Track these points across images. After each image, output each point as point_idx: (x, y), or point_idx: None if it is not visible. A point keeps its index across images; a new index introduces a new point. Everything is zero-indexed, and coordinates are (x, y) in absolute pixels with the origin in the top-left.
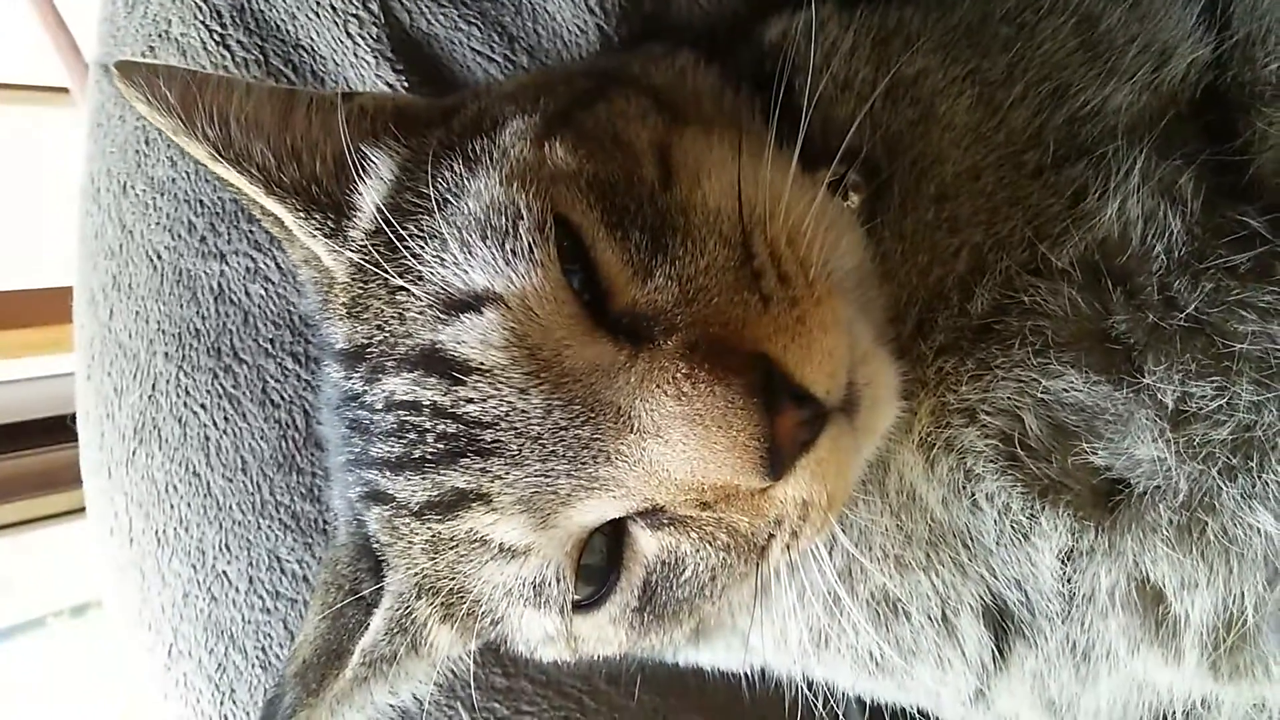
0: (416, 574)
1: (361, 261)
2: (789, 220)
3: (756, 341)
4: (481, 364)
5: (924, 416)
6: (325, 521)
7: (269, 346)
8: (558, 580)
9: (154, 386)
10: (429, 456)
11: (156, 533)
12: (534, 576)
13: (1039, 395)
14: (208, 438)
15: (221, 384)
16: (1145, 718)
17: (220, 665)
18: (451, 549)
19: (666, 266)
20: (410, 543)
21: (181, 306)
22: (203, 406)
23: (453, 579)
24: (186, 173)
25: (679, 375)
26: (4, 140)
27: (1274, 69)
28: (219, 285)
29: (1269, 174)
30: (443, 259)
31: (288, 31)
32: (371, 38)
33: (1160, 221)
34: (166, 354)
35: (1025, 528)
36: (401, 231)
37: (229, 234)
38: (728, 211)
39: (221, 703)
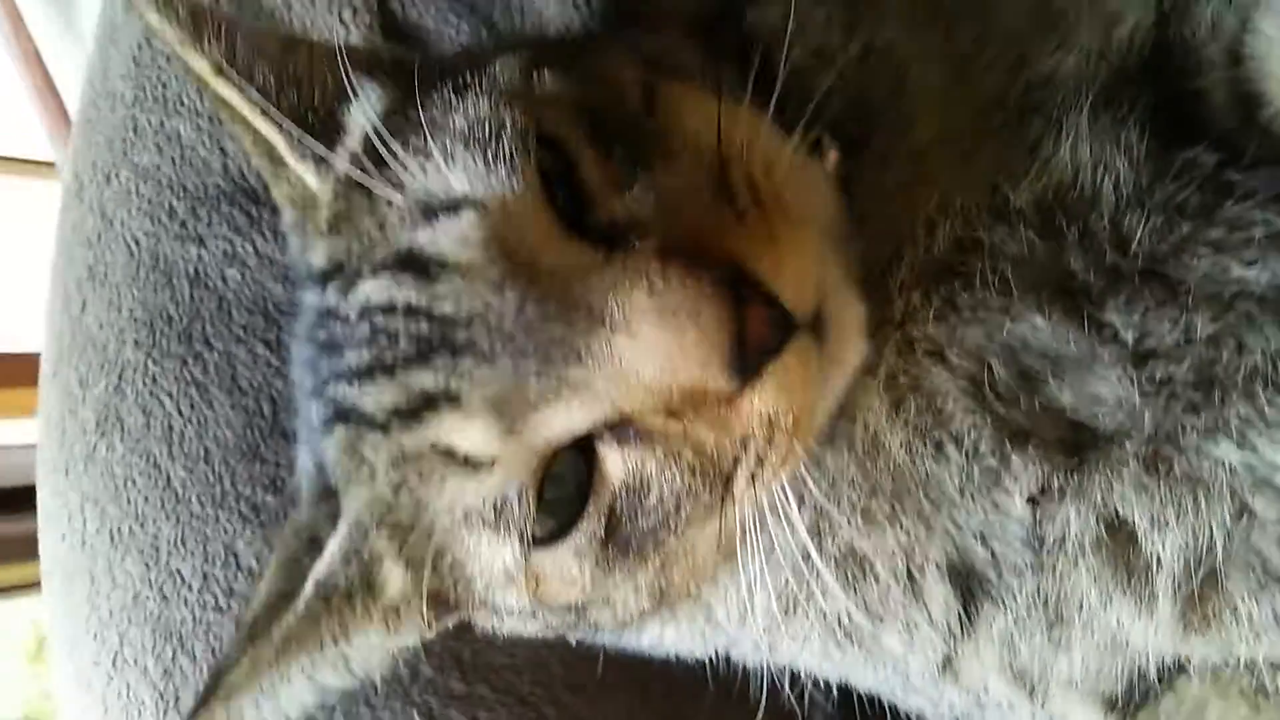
0: (375, 504)
1: (347, 176)
2: (766, 158)
3: (729, 249)
4: (457, 260)
5: (890, 356)
6: (287, 514)
7: (240, 333)
8: (519, 500)
9: (120, 376)
10: (400, 358)
11: (111, 531)
12: (495, 495)
13: (1004, 338)
14: (171, 427)
15: (190, 371)
16: (1118, 687)
17: (167, 671)
18: (414, 465)
19: (645, 180)
20: (371, 467)
21: (156, 292)
22: (169, 395)
23: (412, 509)
24: (172, 158)
25: (652, 272)
26: None
27: (1207, 21)
28: (195, 270)
29: (1218, 114)
30: (425, 170)
31: (281, 17)
32: (364, 25)
33: (1109, 164)
34: (137, 341)
35: (995, 471)
36: (388, 147)
37: (209, 218)
38: (706, 140)
39: (165, 713)
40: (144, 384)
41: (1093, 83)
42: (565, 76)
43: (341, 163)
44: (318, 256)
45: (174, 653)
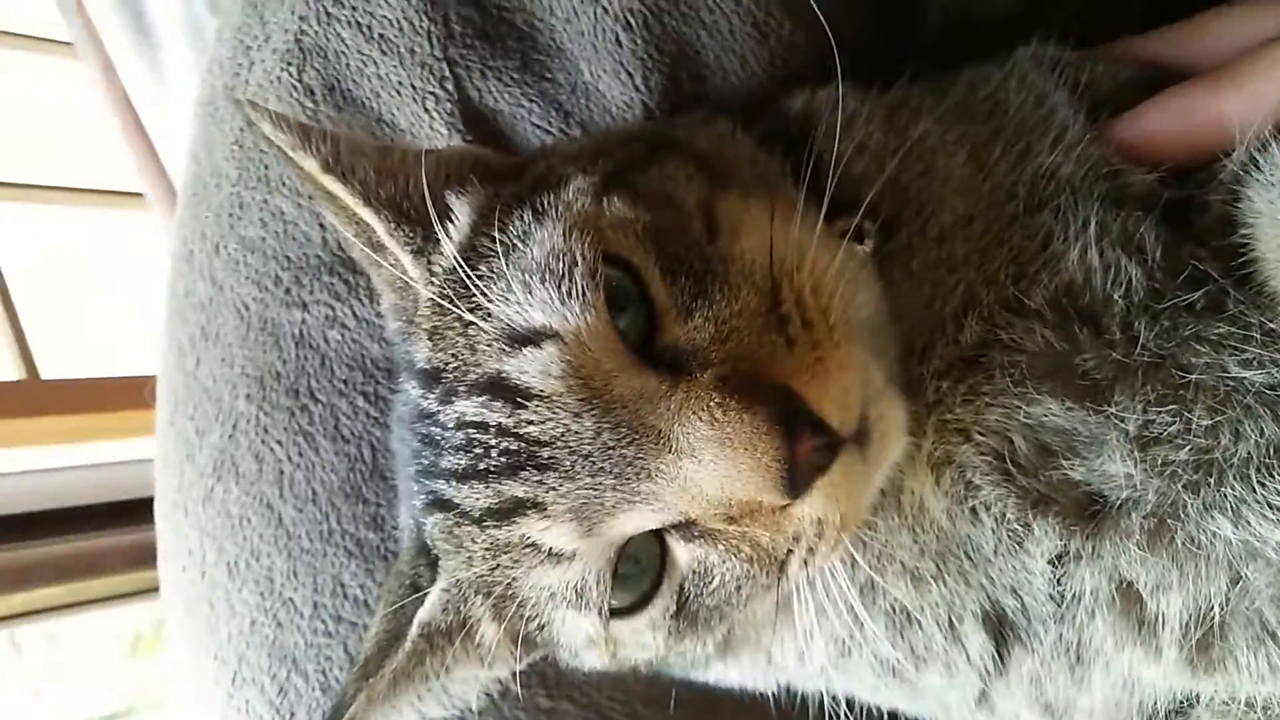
0: (471, 575)
1: (439, 297)
2: (814, 274)
3: (780, 377)
4: (541, 391)
5: (930, 435)
6: (387, 549)
7: (342, 387)
8: (597, 584)
9: (234, 426)
10: (492, 469)
11: (228, 564)
12: (577, 580)
13: (1022, 420)
14: (282, 472)
15: (298, 422)
16: (1135, 715)
17: (282, 689)
18: (506, 554)
19: (705, 309)
20: (468, 550)
21: (264, 352)
22: (279, 443)
23: (505, 583)
24: (275, 232)
25: (712, 404)
26: (84, 241)
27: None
28: (300, 332)
29: (1214, 224)
30: (508, 299)
31: (371, 108)
32: (445, 113)
33: (1121, 270)
34: (248, 395)
35: (1020, 535)
36: (473, 273)
37: (312, 286)
38: (761, 264)
39: None
40: (256, 434)
41: (1101, 181)
42: (634, 203)
43: (436, 281)
44: (420, 356)
45: (288, 673)
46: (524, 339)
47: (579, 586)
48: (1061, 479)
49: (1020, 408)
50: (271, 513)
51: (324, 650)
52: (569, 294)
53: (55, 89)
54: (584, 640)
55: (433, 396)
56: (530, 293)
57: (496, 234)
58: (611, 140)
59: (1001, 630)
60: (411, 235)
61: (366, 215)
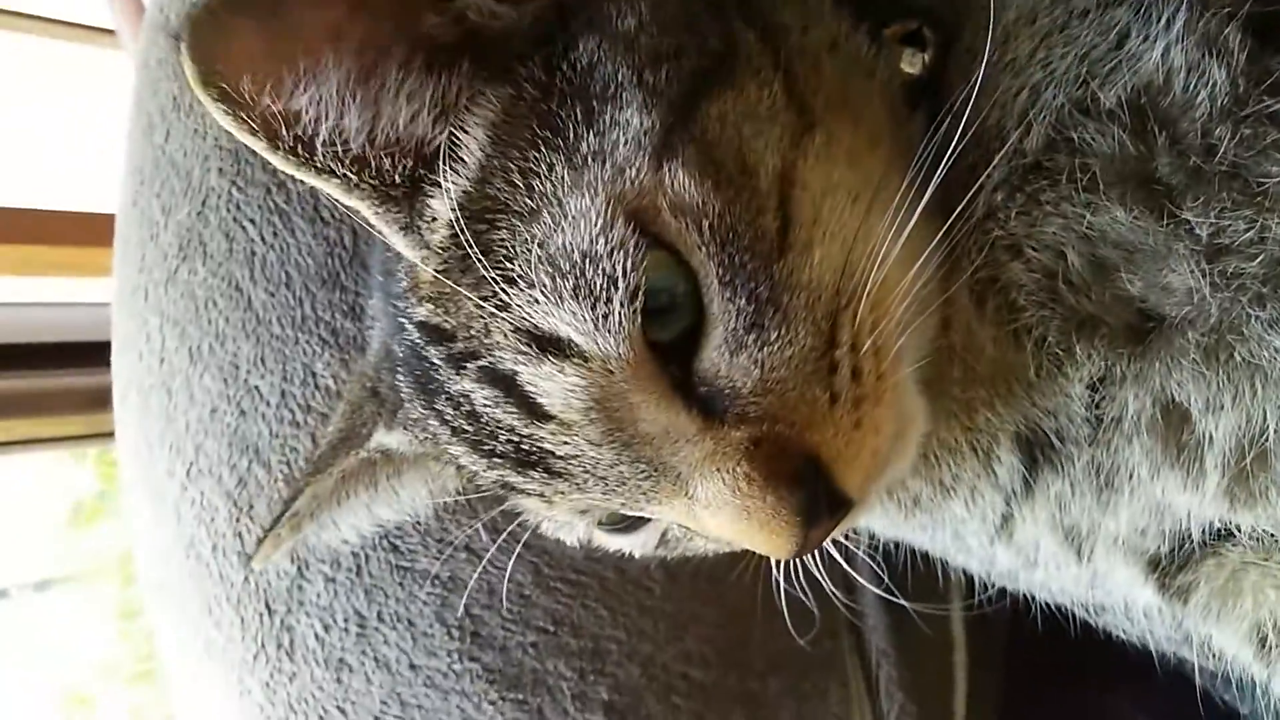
0: (451, 457)
1: (443, 273)
2: (880, 298)
3: (812, 444)
4: (560, 416)
5: (972, 254)
6: (365, 340)
7: None
8: (586, 525)
9: (204, 202)
10: (499, 453)
11: (190, 349)
12: (565, 520)
13: (1083, 231)
14: (254, 253)
15: (274, 200)
16: (1163, 544)
17: (241, 480)
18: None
19: (757, 349)
20: (454, 460)
21: None
22: (252, 221)
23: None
24: None
25: (738, 471)
26: (52, 74)
27: None
28: None
29: None
30: (532, 295)
31: None
32: None
33: (1204, 72)
34: (221, 169)
35: (1059, 359)
36: (490, 232)
37: None
38: (827, 294)
39: (238, 519)
40: (227, 210)
41: None
42: (702, 174)
43: (436, 246)
44: (421, 313)
45: (249, 464)
46: (545, 344)
47: (568, 522)
48: (1114, 296)
49: (1084, 216)
50: (240, 295)
51: (289, 441)
52: (604, 318)
53: None
54: (570, 537)
55: (437, 354)
56: (560, 300)
57: (519, 180)
58: (678, 30)
59: (1033, 452)
60: (400, 217)
61: (352, 203)
